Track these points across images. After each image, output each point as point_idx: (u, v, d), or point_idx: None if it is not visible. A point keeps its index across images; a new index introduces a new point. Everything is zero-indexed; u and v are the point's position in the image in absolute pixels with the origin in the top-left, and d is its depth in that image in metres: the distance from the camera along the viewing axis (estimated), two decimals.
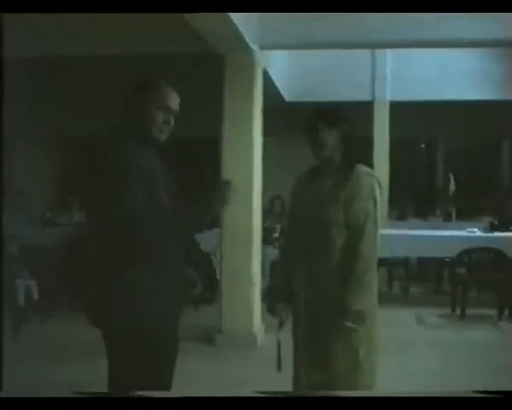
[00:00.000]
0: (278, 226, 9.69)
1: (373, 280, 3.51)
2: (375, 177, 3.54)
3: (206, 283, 8.84)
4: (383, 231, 10.10)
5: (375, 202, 3.43)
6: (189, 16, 5.66)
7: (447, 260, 9.50)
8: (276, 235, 9.57)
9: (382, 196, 11.21)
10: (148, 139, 3.15)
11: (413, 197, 12.92)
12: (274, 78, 9.52)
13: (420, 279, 10.88)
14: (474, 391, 2.33)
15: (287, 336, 3.72)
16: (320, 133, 3.50)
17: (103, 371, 3.31)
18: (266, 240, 7.85)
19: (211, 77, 7.34)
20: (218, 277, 7.94)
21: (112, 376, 3.22)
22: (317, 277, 3.47)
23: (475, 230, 9.59)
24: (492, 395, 2.31)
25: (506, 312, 8.36)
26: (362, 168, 3.53)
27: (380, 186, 3.51)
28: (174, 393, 2.63)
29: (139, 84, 3.24)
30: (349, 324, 3.32)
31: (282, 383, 3.50)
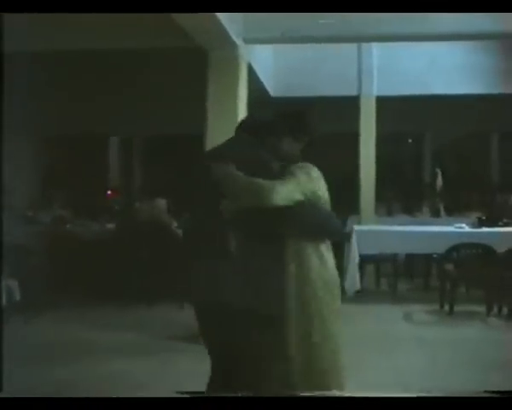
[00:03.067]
0: None
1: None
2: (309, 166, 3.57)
3: None
4: (371, 228, 10.11)
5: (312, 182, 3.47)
6: None
7: (435, 256, 9.43)
8: None
9: (369, 191, 11.18)
10: None
11: (400, 193, 12.86)
12: (259, 73, 9.46)
13: (408, 276, 10.84)
14: (486, 391, 2.38)
15: None
16: (284, 145, 3.59)
17: (89, 370, 3.24)
18: None
19: (194, 72, 7.24)
20: None
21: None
22: None
23: (464, 225, 9.52)
24: (492, 395, 2.32)
25: (495, 308, 8.29)
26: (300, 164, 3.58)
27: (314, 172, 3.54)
28: (172, 393, 2.68)
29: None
30: None
31: None
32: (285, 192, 3.28)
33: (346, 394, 2.49)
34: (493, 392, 2.32)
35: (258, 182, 3.27)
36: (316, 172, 3.52)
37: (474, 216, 10.14)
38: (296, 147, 3.60)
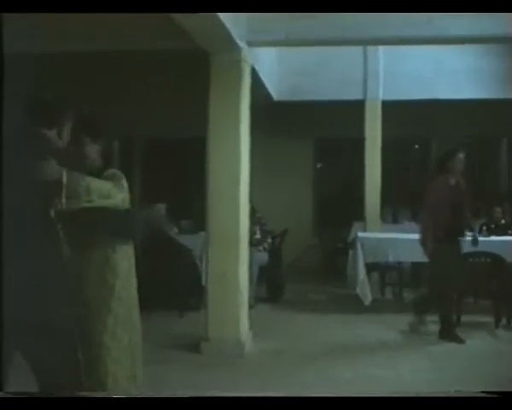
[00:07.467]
0: (257, 228, 9.55)
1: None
2: (121, 175, 4.01)
3: (191, 288, 8.66)
4: (375, 235, 9.91)
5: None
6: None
7: None
8: (257, 236, 9.44)
9: (374, 198, 11.05)
10: None
11: (407, 200, 12.70)
12: (262, 76, 9.39)
13: (414, 285, 10.61)
14: (484, 392, 2.34)
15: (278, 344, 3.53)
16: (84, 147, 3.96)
17: None
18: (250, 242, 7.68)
19: (197, 75, 7.12)
20: (203, 283, 7.70)
21: None
22: None
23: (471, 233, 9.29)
24: (495, 396, 2.30)
25: (504, 319, 8.10)
26: (111, 170, 4.01)
27: (124, 183, 3.97)
28: (170, 393, 2.67)
29: None
30: None
31: (269, 391, 3.34)
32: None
33: (346, 394, 2.42)
34: (492, 392, 2.29)
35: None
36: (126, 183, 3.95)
37: (479, 223, 9.94)
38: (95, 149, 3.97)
